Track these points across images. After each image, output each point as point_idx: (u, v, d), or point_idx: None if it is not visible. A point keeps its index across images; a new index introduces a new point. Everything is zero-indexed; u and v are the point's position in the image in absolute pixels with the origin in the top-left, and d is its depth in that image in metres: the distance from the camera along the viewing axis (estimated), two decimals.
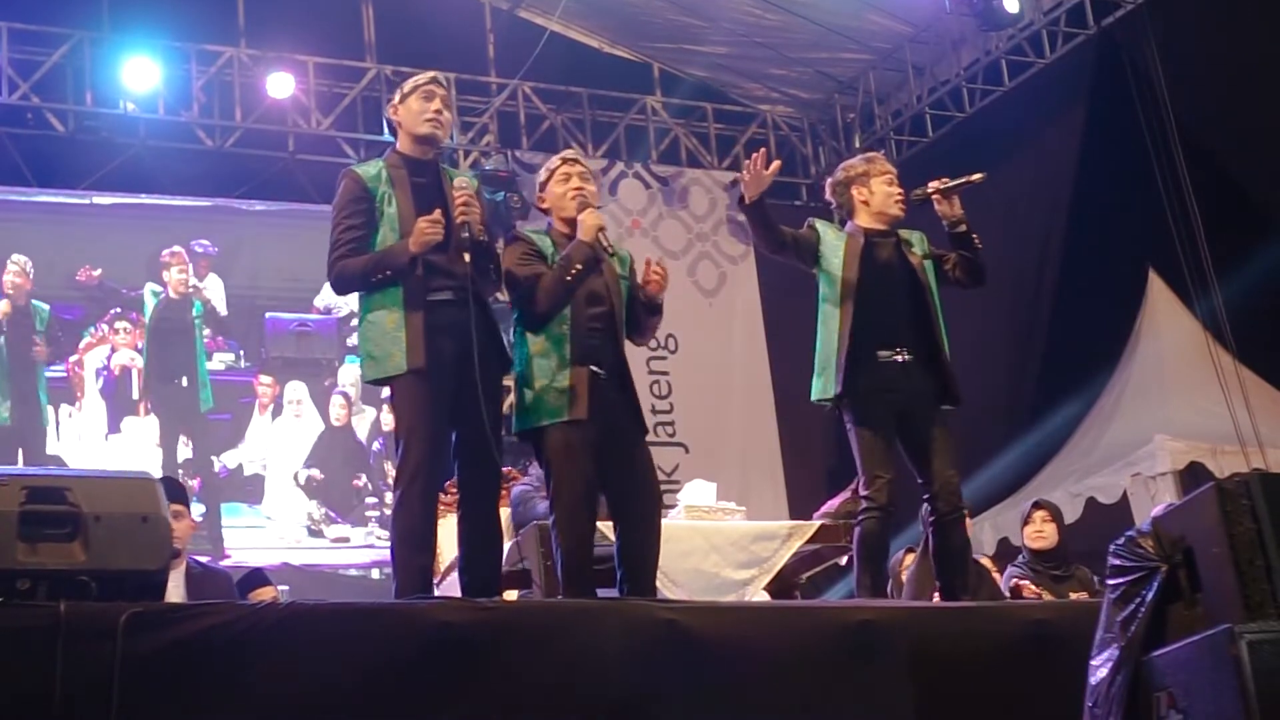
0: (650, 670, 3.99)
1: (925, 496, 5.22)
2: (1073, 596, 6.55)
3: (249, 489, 10.12)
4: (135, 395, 9.96)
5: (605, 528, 4.93)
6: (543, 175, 5.06)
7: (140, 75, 9.98)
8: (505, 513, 6.11)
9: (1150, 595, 3.34)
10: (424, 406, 4.50)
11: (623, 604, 4.52)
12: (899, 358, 5.17)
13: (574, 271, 4.78)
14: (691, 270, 11.53)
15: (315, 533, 10.16)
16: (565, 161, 5.06)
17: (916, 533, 5.58)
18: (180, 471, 9.67)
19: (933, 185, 5.35)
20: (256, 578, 6.08)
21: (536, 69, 11.08)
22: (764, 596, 5.72)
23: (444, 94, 4.80)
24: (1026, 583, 6.66)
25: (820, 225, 5.38)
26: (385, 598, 4.51)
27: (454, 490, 4.84)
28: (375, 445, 10.37)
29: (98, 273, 9.99)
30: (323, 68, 10.76)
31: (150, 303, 10.12)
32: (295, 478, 10.19)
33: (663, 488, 10.40)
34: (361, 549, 10.13)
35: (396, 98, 4.82)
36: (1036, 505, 7.14)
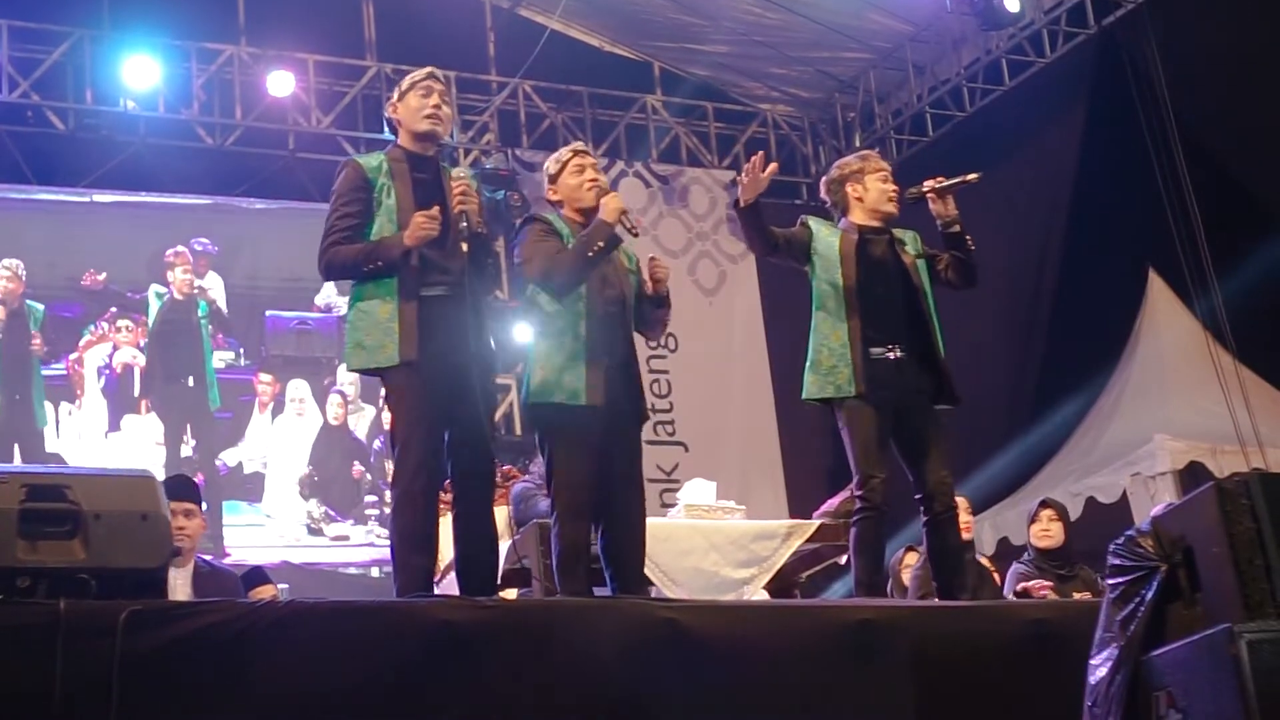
0: (649, 669, 3.99)
1: (918, 496, 5.22)
2: (1076, 597, 6.55)
3: (249, 487, 10.12)
4: (136, 393, 9.96)
5: None
6: (553, 168, 5.06)
7: (140, 73, 9.98)
8: (504, 511, 6.11)
9: (1150, 595, 3.34)
10: (421, 402, 4.48)
11: (622, 603, 4.52)
12: (891, 355, 5.17)
13: (596, 249, 4.79)
14: (692, 269, 11.53)
15: (315, 531, 10.17)
16: (576, 154, 5.08)
17: (916, 531, 5.57)
18: (182, 470, 9.67)
19: (928, 184, 5.35)
20: (256, 576, 6.08)
21: (537, 68, 11.08)
22: (763, 595, 5.72)
23: (442, 89, 4.78)
24: (1035, 584, 6.66)
25: (814, 223, 5.38)
26: (385, 596, 4.51)
27: (450, 490, 4.84)
28: (376, 444, 10.37)
29: (102, 276, 10.00)
30: (323, 66, 10.76)
31: (155, 304, 10.12)
32: (298, 477, 10.19)
33: (662, 486, 10.48)
34: (361, 547, 10.14)
35: (394, 96, 4.81)
36: (1044, 504, 7.14)
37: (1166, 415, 9.72)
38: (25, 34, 9.96)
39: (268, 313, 10.46)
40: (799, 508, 8.93)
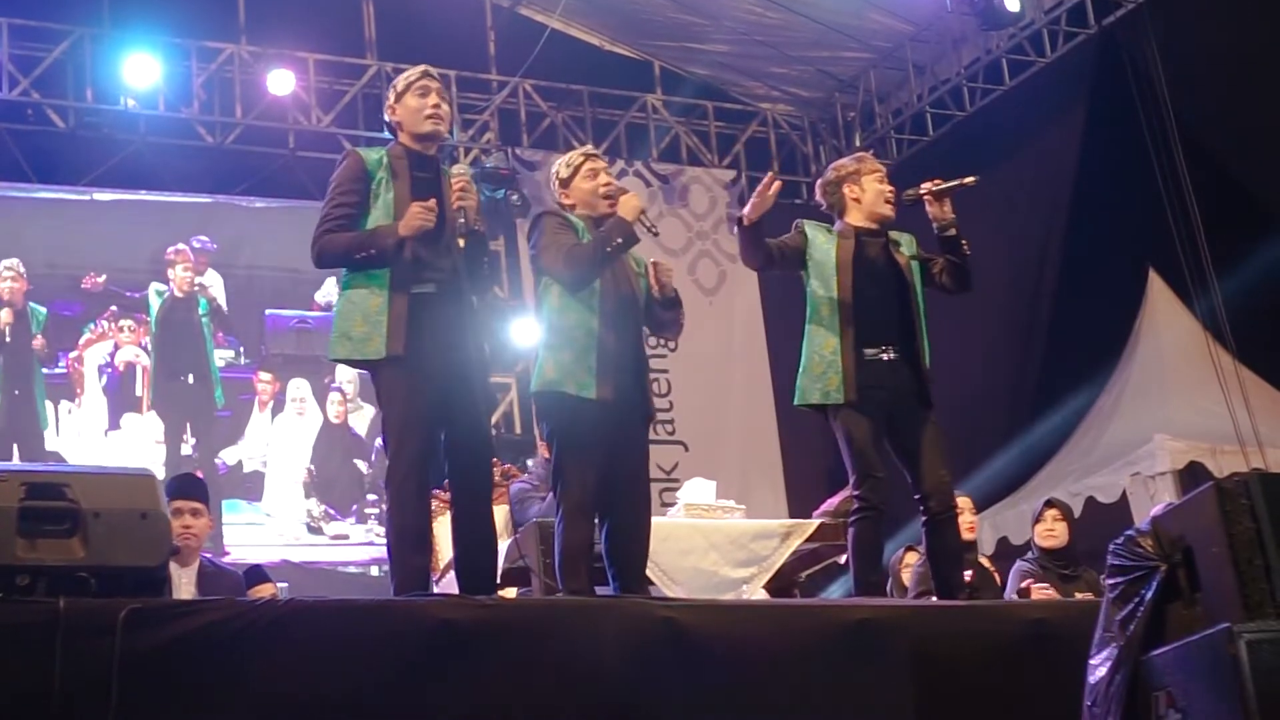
0: (649, 668, 3.99)
1: (916, 496, 5.22)
2: (1078, 598, 6.55)
3: (248, 486, 10.13)
4: (139, 392, 9.96)
5: None
6: (564, 171, 5.04)
7: (141, 71, 9.97)
8: (504, 510, 6.12)
9: (1149, 594, 3.34)
10: (410, 400, 4.46)
11: (621, 602, 4.52)
12: (885, 356, 5.18)
13: (615, 244, 4.81)
14: (692, 269, 11.52)
15: (315, 530, 10.17)
16: (588, 158, 5.09)
17: (916, 530, 5.58)
18: (182, 469, 9.67)
19: (925, 186, 5.34)
20: (256, 574, 6.07)
21: (537, 66, 11.08)
22: (763, 595, 5.73)
23: (439, 87, 4.75)
24: (1031, 584, 6.66)
25: (809, 228, 5.37)
26: (384, 594, 4.51)
27: (449, 489, 4.83)
28: (377, 441, 10.36)
29: (102, 279, 10.00)
30: (323, 65, 10.76)
31: (155, 302, 10.12)
32: (300, 475, 10.20)
33: (662, 486, 10.47)
34: (361, 546, 10.14)
35: (391, 97, 4.76)
36: (1049, 503, 7.14)
37: (1166, 415, 9.72)
38: (25, 32, 9.96)
39: (268, 311, 10.46)
40: (798, 507, 8.94)
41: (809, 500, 7.74)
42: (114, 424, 9.86)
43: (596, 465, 4.72)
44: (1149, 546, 3.39)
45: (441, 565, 6.06)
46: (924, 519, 5.23)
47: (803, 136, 12.41)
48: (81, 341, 9.91)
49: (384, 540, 4.91)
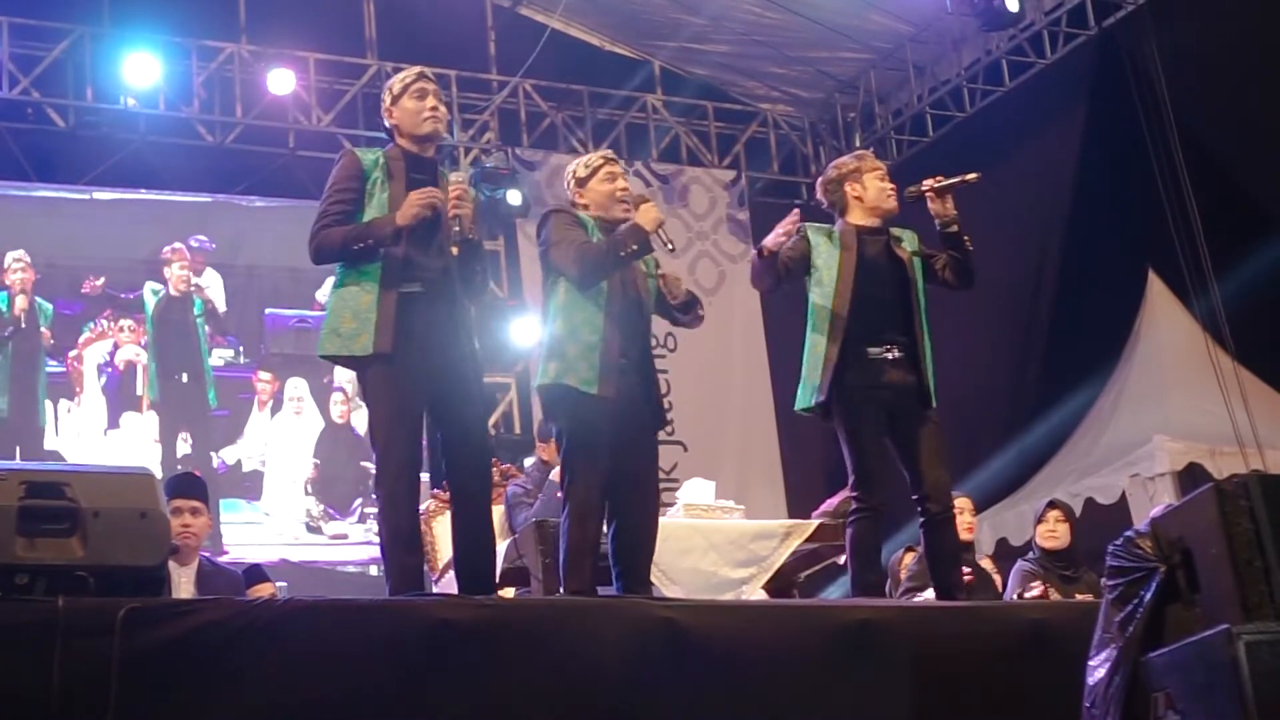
0: (648, 669, 3.99)
1: (915, 497, 5.22)
2: (1078, 599, 6.55)
3: (247, 485, 10.12)
4: (139, 391, 9.96)
5: None
6: (582, 171, 5.04)
7: (141, 71, 9.96)
8: (501, 510, 6.12)
9: (1148, 596, 3.34)
10: (397, 399, 4.46)
11: (621, 602, 4.52)
12: (889, 355, 5.18)
13: (630, 251, 4.81)
14: (691, 269, 11.52)
15: (314, 529, 10.17)
16: (608, 161, 5.10)
17: (915, 531, 5.58)
18: (179, 468, 9.67)
19: (927, 183, 5.35)
20: (255, 574, 6.07)
21: (537, 66, 11.07)
22: (762, 595, 5.72)
23: (435, 88, 4.74)
24: (1036, 585, 6.67)
25: (812, 233, 5.35)
26: (383, 594, 4.51)
27: (448, 489, 4.83)
28: None
29: (100, 282, 9.99)
30: (323, 64, 10.76)
31: (151, 301, 10.12)
32: (301, 475, 10.20)
33: (661, 486, 10.41)
34: (360, 545, 10.13)
35: (387, 99, 4.74)
36: (1051, 504, 7.14)
37: (1165, 416, 9.72)
38: (26, 31, 9.95)
39: (267, 311, 10.45)
40: (798, 507, 8.94)
41: (808, 501, 7.73)
42: (113, 423, 9.86)
43: (604, 464, 4.72)
44: (1148, 548, 3.39)
45: (441, 565, 6.07)
46: (922, 519, 5.23)
47: (802, 137, 12.41)
48: (81, 340, 9.91)
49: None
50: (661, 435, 10.86)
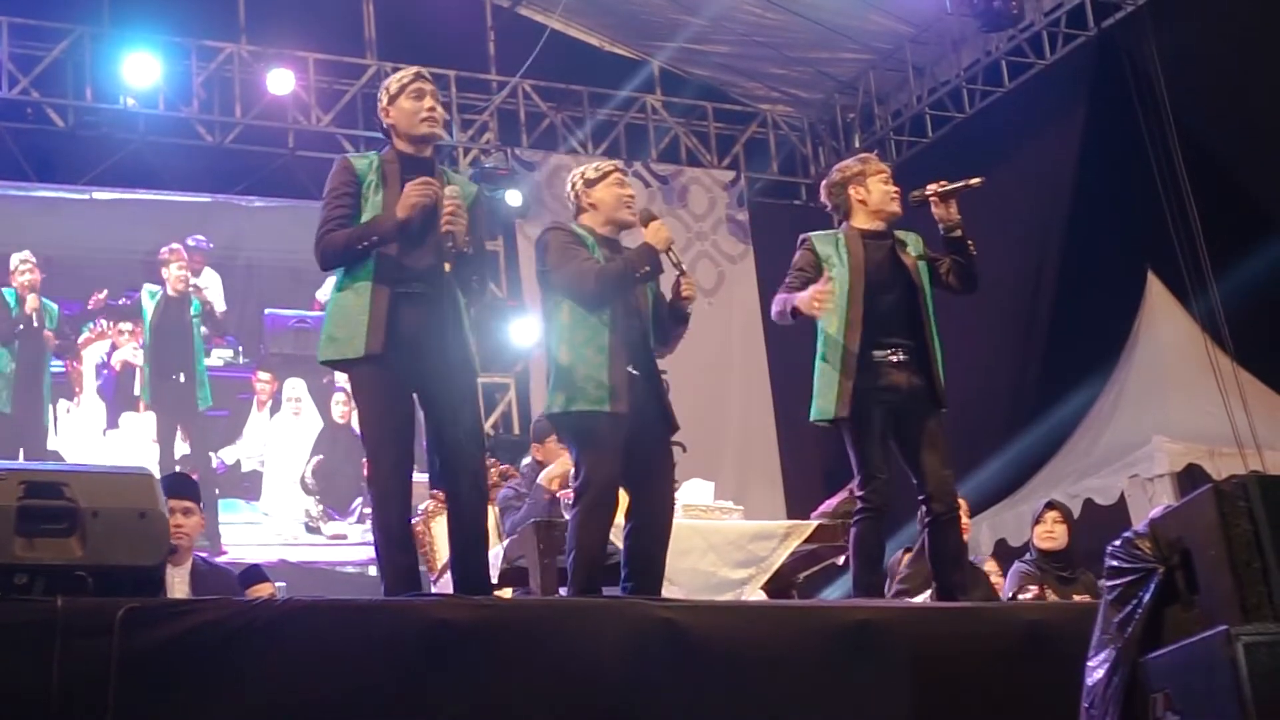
0: (647, 669, 3.99)
1: (921, 497, 5.23)
2: (1076, 600, 6.55)
3: (246, 485, 10.12)
4: (136, 391, 9.96)
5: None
6: (591, 174, 5.03)
7: (140, 70, 9.97)
8: (495, 511, 6.13)
9: (1147, 597, 3.34)
10: (387, 400, 4.48)
11: (620, 602, 4.52)
12: (894, 357, 5.18)
13: (643, 272, 4.84)
14: (690, 269, 11.42)
15: (313, 529, 10.17)
16: (619, 169, 5.11)
17: (916, 532, 5.59)
18: (178, 468, 9.67)
19: (931, 188, 5.35)
20: (254, 574, 6.08)
21: (536, 67, 11.08)
22: (761, 596, 5.72)
23: (433, 89, 4.74)
24: (1031, 588, 6.67)
25: (819, 245, 5.34)
26: (381, 595, 4.52)
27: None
28: None
29: (103, 295, 10.00)
30: (323, 64, 10.76)
31: (148, 303, 10.11)
32: (300, 475, 10.19)
33: None
34: (359, 546, 10.12)
35: (384, 99, 4.73)
36: (1049, 505, 7.14)
37: (1165, 417, 9.72)
38: (25, 30, 9.95)
39: (266, 311, 10.45)
40: (797, 508, 8.93)
41: (807, 501, 7.73)
42: (112, 423, 9.86)
43: (614, 472, 4.72)
44: (1147, 549, 3.39)
45: (440, 566, 6.07)
46: (926, 519, 5.23)
47: (802, 138, 12.41)
48: (80, 340, 9.91)
49: None
50: None
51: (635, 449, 4.78)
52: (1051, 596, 6.63)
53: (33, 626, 3.39)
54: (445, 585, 5.53)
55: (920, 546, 5.85)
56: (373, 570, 9.96)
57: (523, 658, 3.90)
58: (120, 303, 10.05)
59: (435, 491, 6.14)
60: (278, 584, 6.82)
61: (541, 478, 6.01)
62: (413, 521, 4.94)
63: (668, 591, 5.34)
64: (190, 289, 10.24)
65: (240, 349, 10.35)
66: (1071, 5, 10.38)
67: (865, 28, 11.22)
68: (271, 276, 10.51)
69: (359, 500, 10.25)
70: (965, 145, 10.92)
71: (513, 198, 10.72)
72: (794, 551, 5.82)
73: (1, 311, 9.69)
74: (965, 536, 7.01)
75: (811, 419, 5.25)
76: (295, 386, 10.36)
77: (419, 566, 5.13)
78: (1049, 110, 10.97)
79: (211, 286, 10.33)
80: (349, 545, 10.17)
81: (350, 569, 10.14)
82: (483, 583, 4.57)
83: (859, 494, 5.15)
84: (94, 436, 9.76)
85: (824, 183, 5.55)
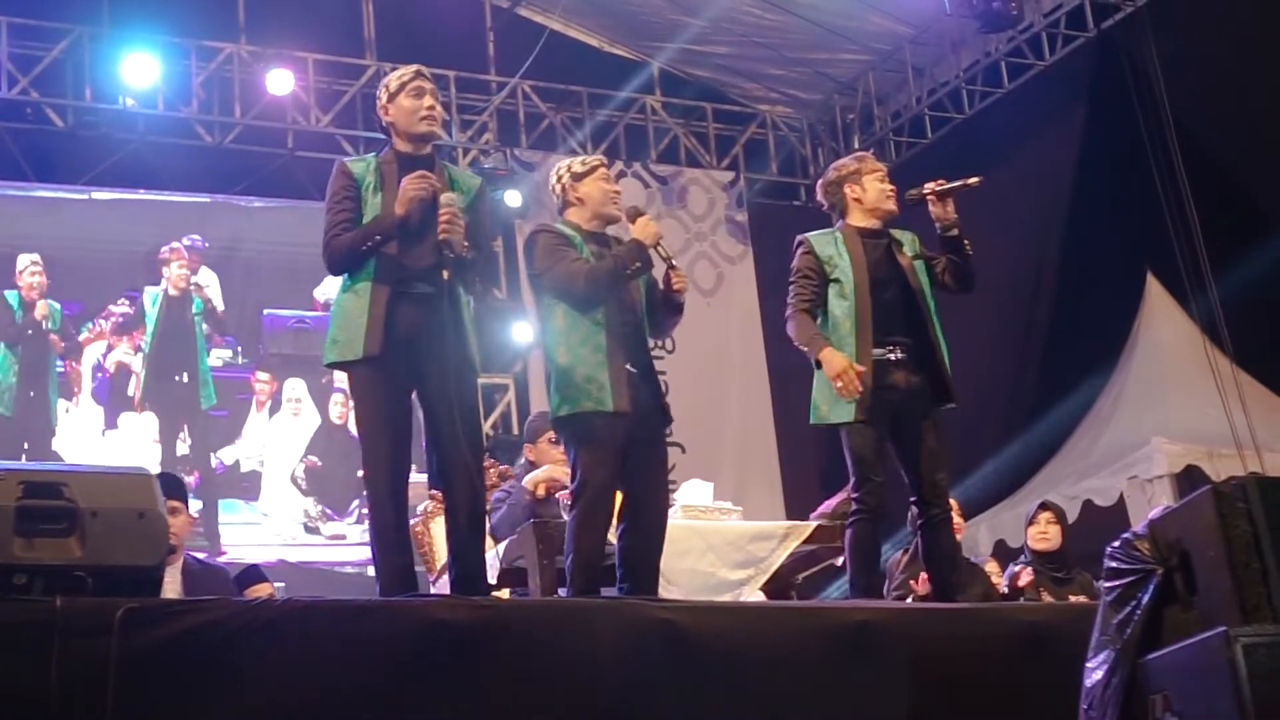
0: (646, 669, 3.99)
1: (912, 498, 5.23)
2: (1072, 600, 6.56)
3: (245, 485, 10.12)
4: (132, 392, 9.95)
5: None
6: (579, 168, 5.04)
7: (140, 71, 9.96)
8: None
9: (1146, 598, 3.34)
10: (383, 400, 4.50)
11: (619, 603, 4.52)
12: (891, 356, 5.17)
13: (634, 268, 4.84)
14: (689, 270, 11.47)
15: (311, 530, 10.16)
16: (604, 164, 5.13)
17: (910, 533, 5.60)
18: (178, 467, 9.67)
19: (928, 187, 5.34)
20: (253, 574, 6.08)
21: (536, 67, 11.08)
22: (760, 597, 5.72)
23: (432, 87, 4.75)
24: (1020, 570, 6.68)
25: (817, 246, 5.31)
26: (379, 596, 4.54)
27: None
28: None
29: (108, 299, 9.99)
30: (322, 65, 10.75)
31: (150, 305, 10.11)
32: (292, 475, 10.19)
33: None
34: (357, 546, 10.12)
35: (383, 96, 4.74)
36: (1042, 506, 7.15)
37: (1164, 418, 9.72)
38: (25, 30, 9.95)
39: (265, 311, 10.45)
40: (796, 509, 8.93)
41: (806, 502, 7.73)
42: (111, 423, 9.85)
43: (613, 474, 4.73)
44: (1146, 550, 3.39)
45: (439, 566, 6.06)
46: (920, 520, 5.24)
47: (801, 138, 12.41)
48: (80, 340, 9.91)
49: None
50: None
51: (631, 445, 4.78)
52: (1047, 597, 6.64)
53: (32, 626, 3.39)
54: (444, 586, 5.53)
55: (914, 551, 5.86)
56: (371, 571, 9.97)
57: (521, 658, 3.90)
58: (119, 303, 10.04)
59: (434, 492, 6.15)
60: (276, 584, 6.82)
61: (526, 480, 6.01)
62: (411, 522, 4.95)
63: (666, 592, 5.34)
64: (191, 288, 10.24)
65: (239, 349, 10.35)
66: (1071, 6, 10.37)
67: (864, 29, 11.22)
68: (270, 277, 10.50)
69: (357, 501, 10.25)
70: (965, 146, 10.92)
71: (512, 198, 10.71)
72: (793, 552, 5.81)
73: (6, 315, 9.67)
74: (959, 537, 7.03)
75: (833, 422, 5.18)
76: (295, 387, 10.35)
77: (417, 567, 5.13)
78: (1048, 111, 10.97)
79: (209, 286, 10.32)
80: (348, 545, 10.17)
81: (349, 569, 10.14)
82: (480, 583, 4.57)
83: (854, 495, 5.14)
84: (93, 437, 9.76)
85: (820, 181, 5.55)
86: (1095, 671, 3.44)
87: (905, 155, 11.63)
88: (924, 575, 5.83)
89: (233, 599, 4.38)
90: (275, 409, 10.31)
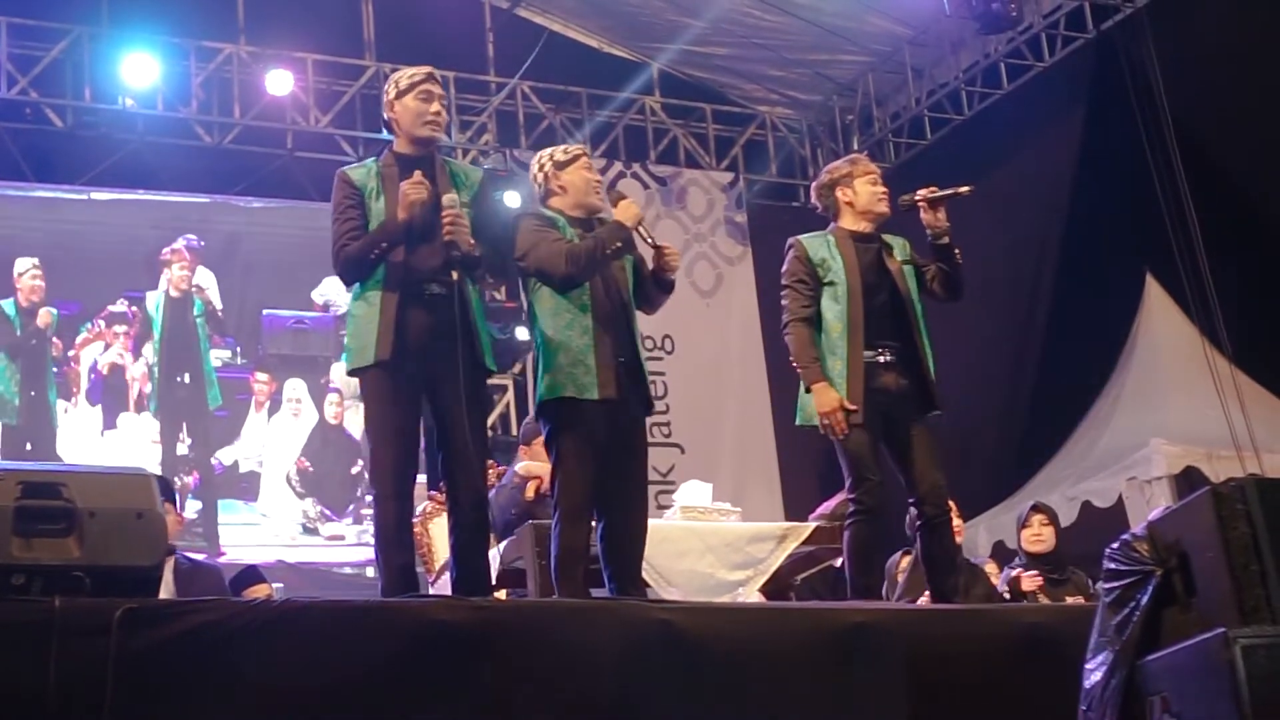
0: (644, 670, 3.99)
1: (911, 500, 5.22)
2: (1068, 600, 6.57)
3: (244, 486, 10.11)
4: (131, 393, 9.95)
5: None
6: (560, 156, 5.02)
7: (139, 71, 9.96)
8: None
9: (1145, 599, 3.34)
10: (392, 403, 4.53)
11: (617, 604, 4.52)
12: (881, 359, 5.17)
13: (614, 248, 4.82)
14: (689, 271, 11.50)
15: (310, 530, 10.16)
16: (586, 153, 5.11)
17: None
18: (178, 468, 9.67)
19: (921, 193, 5.32)
20: (251, 575, 6.09)
21: (535, 68, 11.08)
22: (758, 598, 5.73)
23: (441, 92, 4.78)
24: (1023, 572, 6.68)
25: (809, 249, 5.30)
26: (379, 596, 4.54)
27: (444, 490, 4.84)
28: None
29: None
30: (322, 65, 10.75)
31: (153, 303, 10.10)
32: (286, 477, 10.19)
33: (658, 488, 10.46)
34: (356, 547, 10.12)
35: (391, 93, 4.75)
36: (1034, 508, 7.16)
37: (1163, 420, 9.73)
38: (24, 30, 9.94)
39: (264, 311, 10.44)
40: (794, 510, 8.94)
41: (805, 503, 7.74)
42: (110, 424, 9.85)
43: (593, 468, 4.72)
44: (1145, 551, 3.39)
45: (438, 567, 6.07)
46: (918, 523, 5.23)
47: (800, 139, 12.41)
48: (79, 341, 9.90)
49: None
50: (659, 437, 10.90)
51: (612, 441, 4.78)
52: (1042, 599, 6.64)
53: (30, 627, 3.39)
54: (443, 586, 5.54)
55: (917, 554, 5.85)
56: (370, 571, 9.98)
57: (520, 659, 3.90)
58: (118, 304, 10.04)
59: (433, 493, 6.16)
60: (275, 585, 6.83)
61: (520, 468, 6.00)
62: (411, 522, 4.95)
63: (665, 593, 5.35)
64: (192, 288, 10.23)
65: (238, 349, 10.34)
66: (1070, 7, 10.38)
67: (864, 30, 11.22)
68: (270, 277, 10.49)
69: (355, 501, 10.24)
70: (964, 147, 10.92)
71: (511, 199, 10.70)
72: (792, 553, 5.82)
73: (5, 326, 9.65)
74: (959, 539, 7.03)
75: (799, 422, 5.24)
76: (295, 387, 10.35)
77: (417, 567, 5.14)
78: (1048, 112, 10.97)
79: (209, 286, 10.32)
80: (346, 546, 10.16)
81: (348, 570, 10.13)
82: (482, 584, 4.58)
83: (851, 496, 5.14)
84: (92, 438, 9.75)
85: (813, 184, 5.56)
86: (1094, 673, 3.44)
87: (905, 156, 11.63)
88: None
89: (231, 599, 4.38)
90: (274, 409, 10.30)
